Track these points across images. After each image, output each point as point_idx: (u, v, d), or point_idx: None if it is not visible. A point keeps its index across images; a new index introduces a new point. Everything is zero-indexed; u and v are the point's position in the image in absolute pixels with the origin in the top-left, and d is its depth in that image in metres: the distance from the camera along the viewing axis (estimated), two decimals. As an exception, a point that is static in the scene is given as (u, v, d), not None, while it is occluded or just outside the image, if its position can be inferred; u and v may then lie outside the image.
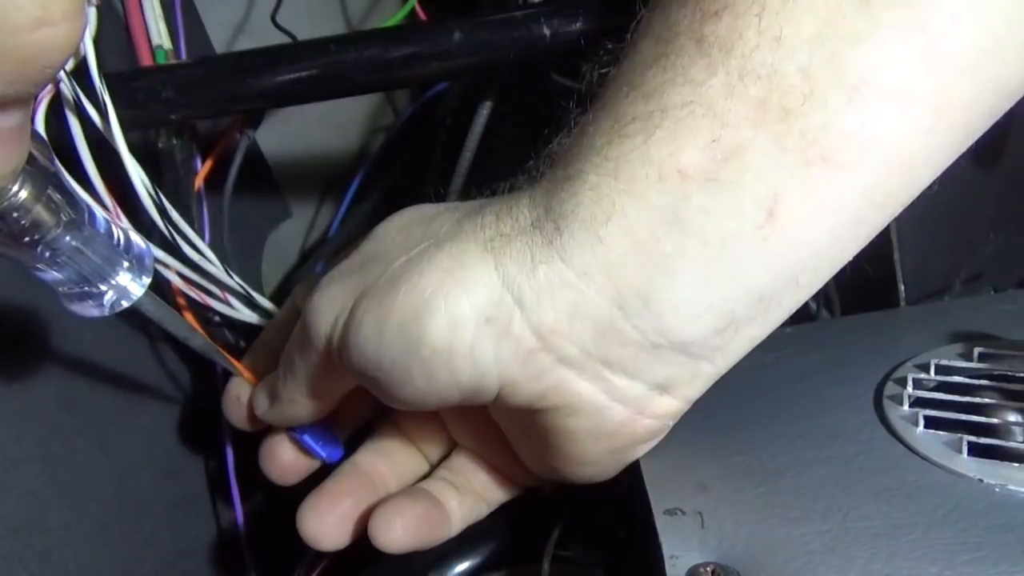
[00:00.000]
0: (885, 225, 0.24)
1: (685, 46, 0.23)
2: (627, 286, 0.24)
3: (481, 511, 0.34)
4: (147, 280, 0.27)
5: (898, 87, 0.22)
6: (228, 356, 0.34)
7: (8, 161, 0.19)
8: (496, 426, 0.31)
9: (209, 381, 0.43)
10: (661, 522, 0.25)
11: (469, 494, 0.34)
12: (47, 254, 0.23)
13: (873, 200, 0.23)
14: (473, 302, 0.24)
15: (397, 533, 0.31)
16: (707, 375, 0.26)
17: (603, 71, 0.27)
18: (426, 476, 0.35)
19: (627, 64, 0.25)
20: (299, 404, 0.32)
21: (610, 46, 0.27)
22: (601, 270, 0.24)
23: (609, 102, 0.25)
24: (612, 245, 0.24)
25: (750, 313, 0.24)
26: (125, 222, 0.37)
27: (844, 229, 0.23)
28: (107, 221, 0.25)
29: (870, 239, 0.24)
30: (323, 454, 0.35)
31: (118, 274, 0.26)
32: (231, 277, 0.40)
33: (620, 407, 0.26)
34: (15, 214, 0.21)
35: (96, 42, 0.35)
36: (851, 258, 0.25)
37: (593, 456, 0.28)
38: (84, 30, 0.16)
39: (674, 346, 0.25)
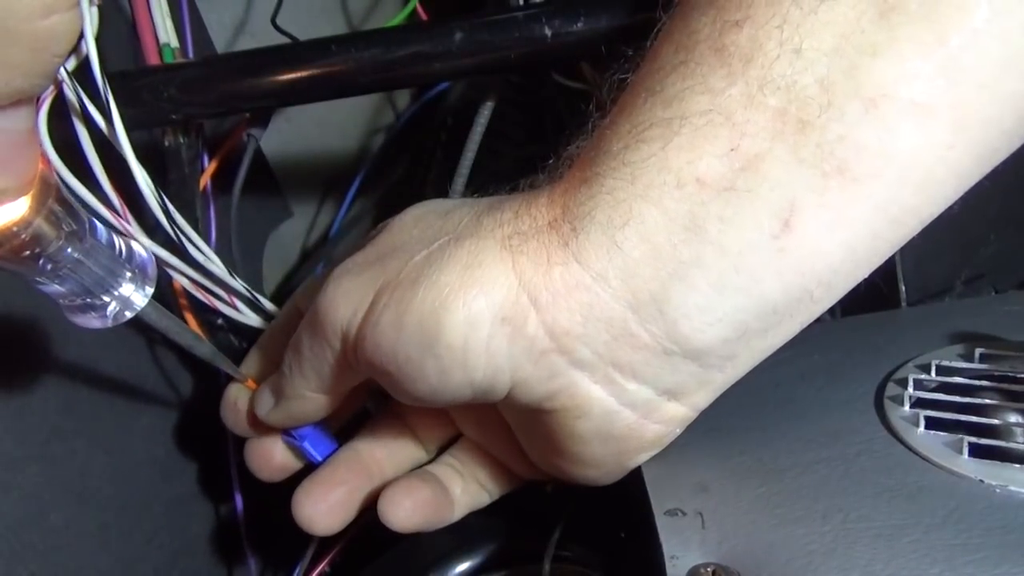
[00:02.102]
0: (903, 243, 0.24)
1: (705, 55, 0.23)
2: (642, 291, 0.24)
3: (483, 500, 0.34)
4: (150, 290, 0.26)
5: (916, 101, 0.22)
6: (233, 364, 0.34)
7: (27, 169, 0.20)
8: (503, 421, 0.31)
9: (210, 381, 0.43)
10: (661, 522, 0.25)
11: (473, 483, 0.34)
12: (48, 267, 0.23)
13: (889, 215, 0.23)
14: (490, 301, 0.25)
15: (406, 512, 0.31)
16: (716, 384, 0.26)
17: (622, 76, 0.27)
18: (426, 464, 0.35)
19: (646, 70, 0.25)
20: (307, 400, 0.31)
21: (630, 52, 0.27)
22: (617, 274, 0.24)
23: (628, 107, 0.25)
24: (629, 250, 0.24)
25: (763, 325, 0.25)
26: (133, 223, 0.37)
27: (859, 244, 0.23)
28: (108, 231, 0.25)
29: (886, 257, 0.24)
30: (319, 459, 0.35)
31: (121, 285, 0.25)
32: (235, 279, 0.39)
33: (629, 411, 0.26)
34: (15, 228, 0.21)
35: (98, 41, 0.35)
36: (867, 275, 0.24)
37: (599, 458, 0.28)
38: (82, 20, 0.17)
39: (686, 353, 0.25)
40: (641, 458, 0.28)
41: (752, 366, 0.26)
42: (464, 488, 0.34)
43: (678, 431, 0.27)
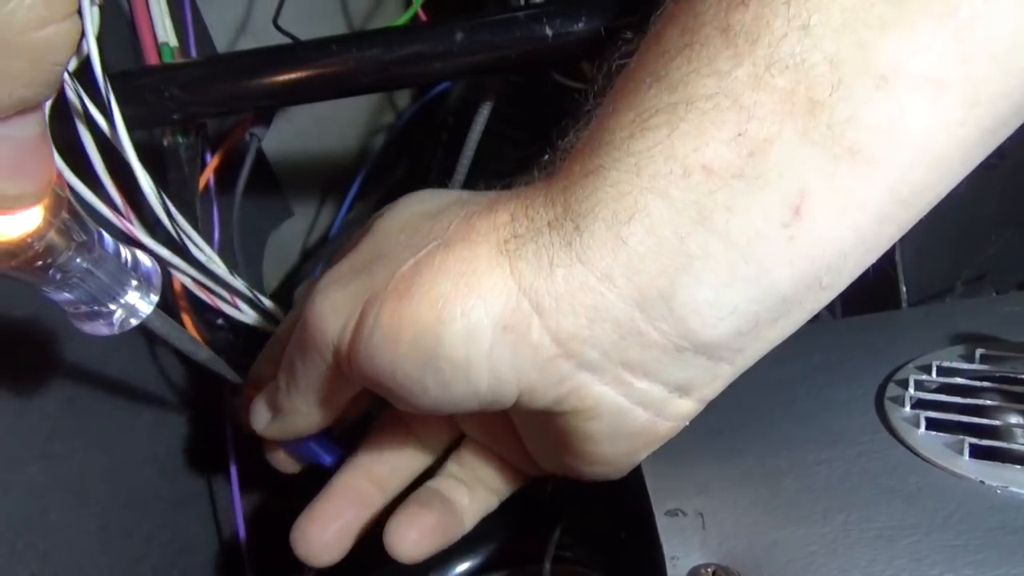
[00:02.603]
0: (911, 225, 0.23)
1: (711, 36, 0.22)
2: (650, 288, 0.23)
3: (492, 504, 0.34)
4: (155, 298, 0.26)
5: (927, 76, 0.21)
6: (233, 371, 0.34)
7: (42, 174, 0.20)
8: (507, 420, 0.30)
9: (210, 382, 0.43)
10: (662, 523, 0.25)
11: (480, 488, 0.33)
12: (58, 277, 0.23)
13: (899, 196, 0.22)
14: (489, 310, 0.24)
15: (413, 543, 0.31)
16: (725, 376, 0.26)
17: (622, 62, 0.26)
18: (432, 468, 0.35)
19: (650, 55, 0.24)
20: (303, 415, 0.31)
21: (630, 36, 0.26)
22: (623, 272, 0.23)
23: (630, 94, 0.24)
24: (634, 245, 0.23)
25: (773, 315, 0.24)
26: (136, 223, 0.37)
27: (869, 227, 0.23)
28: (115, 241, 0.25)
29: (894, 240, 0.24)
30: (325, 461, 0.35)
31: (127, 293, 0.26)
32: (236, 279, 0.39)
33: (640, 410, 0.26)
34: (30, 239, 0.21)
35: (99, 41, 0.35)
36: (875, 260, 0.24)
37: (611, 457, 0.27)
38: (82, 25, 0.17)
39: (697, 348, 0.24)
40: (647, 453, 0.28)
41: (760, 356, 0.26)
42: (472, 496, 0.33)
43: (686, 424, 0.27)
